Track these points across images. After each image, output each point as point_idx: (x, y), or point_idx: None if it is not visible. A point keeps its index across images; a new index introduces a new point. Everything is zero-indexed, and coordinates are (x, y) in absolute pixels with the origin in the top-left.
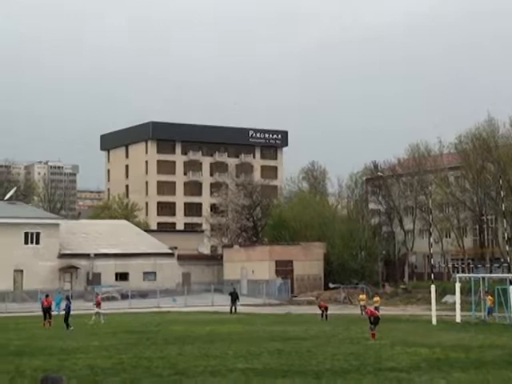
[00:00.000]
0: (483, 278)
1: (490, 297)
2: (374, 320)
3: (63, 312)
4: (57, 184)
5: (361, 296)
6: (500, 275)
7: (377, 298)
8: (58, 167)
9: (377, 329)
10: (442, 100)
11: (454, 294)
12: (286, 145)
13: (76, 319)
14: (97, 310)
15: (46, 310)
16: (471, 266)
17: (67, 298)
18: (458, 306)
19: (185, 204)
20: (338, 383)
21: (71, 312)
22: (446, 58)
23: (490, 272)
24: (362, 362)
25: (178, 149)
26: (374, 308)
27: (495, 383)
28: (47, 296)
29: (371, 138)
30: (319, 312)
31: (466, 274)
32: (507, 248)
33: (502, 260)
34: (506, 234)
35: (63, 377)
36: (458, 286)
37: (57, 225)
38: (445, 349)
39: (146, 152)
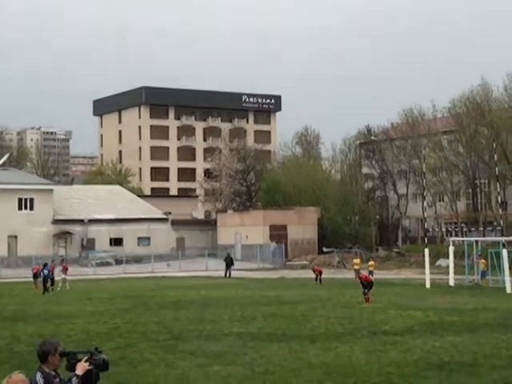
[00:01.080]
0: (476, 242)
1: (483, 260)
2: (368, 284)
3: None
4: (50, 150)
5: (355, 260)
6: (493, 238)
7: (371, 262)
8: (51, 133)
9: (370, 293)
10: (436, 64)
11: (447, 257)
12: (280, 109)
13: (71, 284)
14: (63, 276)
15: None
16: (464, 229)
17: (44, 265)
18: (451, 270)
19: (178, 169)
20: (333, 347)
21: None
22: (441, 21)
23: (483, 235)
24: (356, 326)
25: (171, 114)
26: (368, 272)
27: (488, 346)
28: (53, 261)
29: (364, 102)
30: (313, 276)
31: (460, 238)
32: (500, 211)
33: (495, 223)
34: (499, 198)
35: (60, 342)
36: (451, 249)
37: (50, 190)
38: (438, 312)
39: (139, 117)
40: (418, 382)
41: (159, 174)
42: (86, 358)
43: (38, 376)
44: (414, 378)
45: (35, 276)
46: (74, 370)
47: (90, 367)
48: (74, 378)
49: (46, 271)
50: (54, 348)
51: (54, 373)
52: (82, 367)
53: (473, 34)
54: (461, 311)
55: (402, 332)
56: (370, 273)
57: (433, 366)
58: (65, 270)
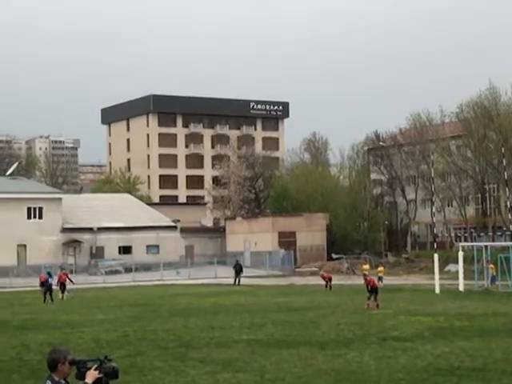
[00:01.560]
0: (486, 247)
1: (492, 265)
2: (373, 290)
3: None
4: (58, 158)
5: (364, 266)
6: (502, 243)
7: (381, 268)
8: (60, 142)
9: (378, 299)
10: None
11: (456, 262)
12: (287, 116)
13: (78, 293)
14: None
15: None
16: (474, 234)
17: (48, 274)
18: (460, 275)
19: (187, 177)
20: (343, 353)
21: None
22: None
23: (493, 240)
24: (366, 332)
25: (179, 121)
26: (377, 278)
27: (498, 351)
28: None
29: (372, 108)
30: (323, 282)
31: (469, 243)
32: (509, 216)
33: (505, 228)
34: (508, 203)
35: (70, 350)
36: (460, 254)
37: (59, 199)
38: (448, 317)
39: (147, 125)
40: None
41: (168, 181)
42: (95, 366)
43: None
44: (424, 383)
45: (42, 285)
46: (83, 378)
47: (100, 375)
48: None
49: (50, 280)
50: (63, 356)
51: (63, 381)
52: (91, 375)
53: (480, 37)
54: (471, 316)
55: (411, 338)
56: (380, 279)
57: (443, 371)
58: (60, 280)
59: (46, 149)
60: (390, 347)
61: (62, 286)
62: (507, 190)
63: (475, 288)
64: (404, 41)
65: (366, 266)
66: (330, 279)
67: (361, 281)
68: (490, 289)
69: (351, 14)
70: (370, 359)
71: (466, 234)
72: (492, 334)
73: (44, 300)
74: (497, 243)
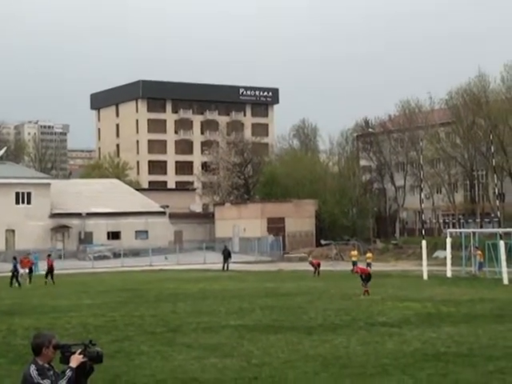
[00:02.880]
0: (474, 233)
1: (480, 252)
2: (366, 277)
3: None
4: (47, 144)
5: (352, 252)
6: (490, 230)
7: (369, 254)
8: (49, 127)
9: (369, 285)
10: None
11: (444, 249)
12: (277, 102)
13: (67, 278)
14: (22, 271)
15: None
16: (462, 221)
17: (14, 259)
18: (448, 261)
19: (176, 162)
20: (330, 338)
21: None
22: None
23: (481, 227)
24: (354, 318)
25: (169, 107)
26: (366, 264)
27: (485, 337)
28: (49, 256)
29: (362, 94)
30: (312, 268)
31: (457, 230)
32: (497, 203)
33: (493, 215)
34: (496, 189)
35: (55, 334)
36: (448, 241)
37: (48, 184)
38: (435, 303)
39: (137, 111)
40: (414, 372)
41: (157, 167)
42: (80, 350)
43: (32, 369)
44: (410, 368)
45: (30, 271)
46: (68, 362)
47: (84, 360)
48: (68, 371)
49: (17, 264)
50: (47, 340)
51: (48, 365)
52: (76, 360)
53: (472, 24)
54: (458, 302)
55: (399, 323)
56: (368, 265)
57: (429, 356)
58: (26, 264)
59: (34, 134)
60: (377, 333)
61: (50, 270)
62: (495, 176)
63: (463, 274)
64: (393, 27)
65: (355, 252)
66: (319, 265)
67: (349, 267)
68: (477, 275)
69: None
70: (357, 344)
71: (455, 221)
72: (479, 320)
73: (10, 284)
74: (484, 230)
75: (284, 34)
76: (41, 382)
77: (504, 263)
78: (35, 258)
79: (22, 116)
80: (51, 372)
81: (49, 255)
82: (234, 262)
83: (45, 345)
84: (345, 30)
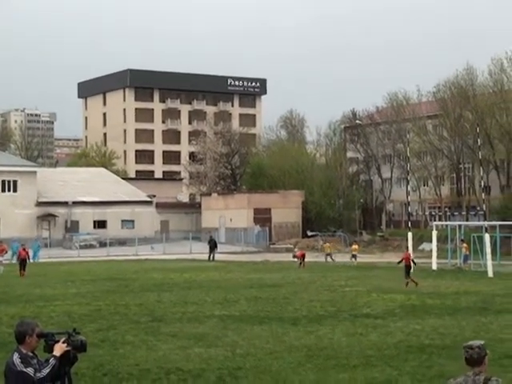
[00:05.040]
0: (459, 226)
1: (465, 244)
2: (407, 269)
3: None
4: (34, 132)
5: (353, 246)
6: (476, 223)
7: (355, 246)
8: (35, 115)
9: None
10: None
11: (430, 241)
12: (265, 93)
13: (53, 266)
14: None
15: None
16: (448, 213)
17: None
18: (434, 254)
19: (163, 152)
20: (314, 329)
21: None
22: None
23: (467, 220)
24: (338, 309)
25: (156, 97)
26: (351, 256)
27: (469, 329)
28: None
29: (350, 86)
30: (297, 260)
31: (443, 222)
32: (483, 196)
33: (478, 208)
34: (482, 182)
35: (38, 323)
36: (434, 233)
37: (34, 172)
38: (420, 295)
39: (124, 100)
40: (398, 364)
41: (144, 156)
42: (63, 339)
43: (15, 357)
44: (394, 360)
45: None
46: (51, 351)
47: (68, 348)
48: (52, 359)
49: None
50: (31, 329)
51: (31, 354)
52: (59, 348)
53: (459, 17)
54: (443, 295)
55: (383, 315)
56: (353, 256)
57: (413, 348)
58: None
59: (21, 122)
60: (362, 324)
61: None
62: (481, 169)
63: (448, 267)
64: (380, 18)
65: (355, 246)
66: (304, 256)
67: (336, 258)
68: (462, 268)
69: None
70: (342, 336)
71: (441, 213)
72: (463, 313)
73: None
74: (470, 223)
75: (273, 24)
76: (24, 370)
77: (489, 256)
78: (37, 246)
79: (9, 104)
80: (35, 360)
81: (23, 245)
82: (220, 253)
83: (28, 333)
84: (334, 21)
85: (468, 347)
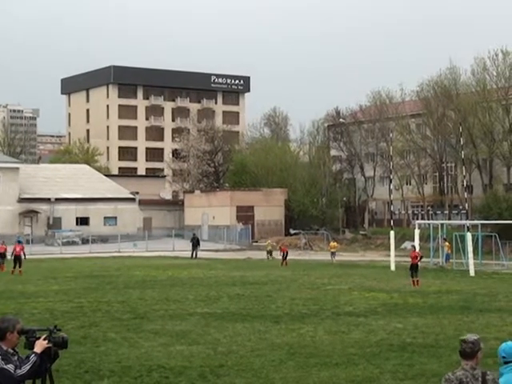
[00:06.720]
0: (442, 225)
1: (447, 243)
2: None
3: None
4: (17, 128)
5: (332, 244)
6: (458, 222)
7: (333, 244)
8: (18, 111)
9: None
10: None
11: (413, 240)
12: (248, 90)
13: (35, 263)
14: None
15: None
16: (430, 212)
17: None
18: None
19: (146, 149)
20: (297, 327)
21: None
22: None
23: (449, 219)
24: (321, 307)
25: (140, 93)
26: (330, 254)
27: (450, 328)
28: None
29: (333, 84)
30: (280, 257)
31: (426, 221)
32: (466, 195)
33: (461, 207)
34: (464, 182)
35: (19, 319)
36: (416, 232)
37: (16, 169)
38: (402, 294)
39: (107, 96)
40: (379, 362)
41: (127, 153)
42: (44, 335)
43: None
44: (376, 358)
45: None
46: (32, 347)
47: (49, 345)
48: (33, 356)
49: None
50: (12, 325)
51: (12, 350)
52: (40, 345)
53: (444, 17)
54: (425, 293)
55: (365, 313)
56: (332, 254)
57: (395, 347)
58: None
59: (3, 118)
60: (344, 322)
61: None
62: (464, 169)
63: (430, 265)
64: (365, 18)
65: (334, 244)
66: (286, 253)
67: (318, 257)
68: (444, 267)
69: None
70: (324, 334)
71: (423, 212)
72: (445, 311)
73: None
74: (453, 221)
75: (256, 21)
76: (4, 367)
77: (471, 255)
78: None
79: None
80: (15, 357)
81: (2, 242)
82: (203, 250)
83: (9, 330)
84: (320, 19)
85: (463, 341)
